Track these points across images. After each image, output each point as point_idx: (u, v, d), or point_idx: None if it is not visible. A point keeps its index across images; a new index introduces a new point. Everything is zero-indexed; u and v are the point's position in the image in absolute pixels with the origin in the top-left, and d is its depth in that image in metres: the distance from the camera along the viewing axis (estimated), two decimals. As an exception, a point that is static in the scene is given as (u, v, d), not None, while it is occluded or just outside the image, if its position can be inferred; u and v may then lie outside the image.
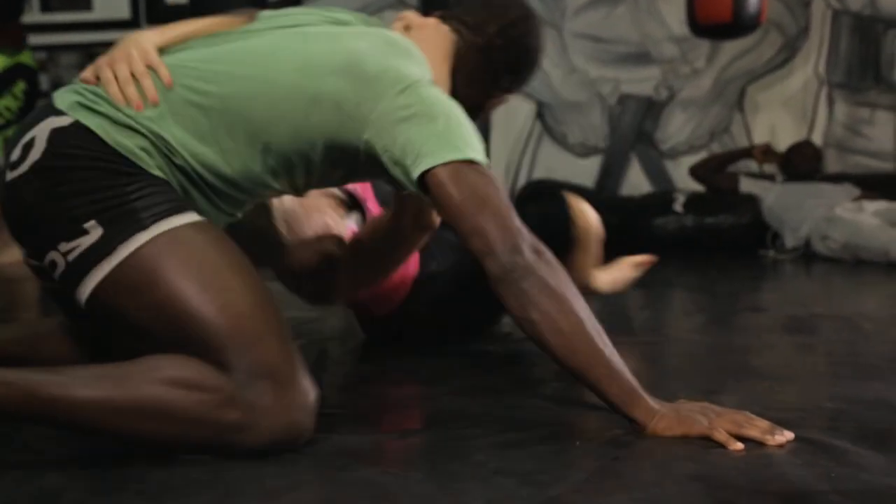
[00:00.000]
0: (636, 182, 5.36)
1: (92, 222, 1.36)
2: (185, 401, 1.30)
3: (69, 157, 1.39)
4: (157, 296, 1.35)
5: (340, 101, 1.46)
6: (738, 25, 4.19)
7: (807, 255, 4.29)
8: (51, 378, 1.29)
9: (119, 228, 1.36)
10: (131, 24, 5.78)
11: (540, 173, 5.43)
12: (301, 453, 1.32)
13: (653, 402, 1.40)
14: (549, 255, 1.43)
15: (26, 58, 4.77)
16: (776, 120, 5.20)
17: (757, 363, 2.00)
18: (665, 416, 1.38)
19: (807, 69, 5.17)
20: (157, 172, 1.42)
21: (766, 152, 4.82)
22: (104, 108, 1.43)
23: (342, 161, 1.51)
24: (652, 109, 5.37)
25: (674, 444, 1.33)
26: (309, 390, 1.36)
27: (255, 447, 1.31)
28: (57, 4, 5.37)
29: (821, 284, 3.72)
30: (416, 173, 1.42)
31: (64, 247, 1.37)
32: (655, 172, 5.37)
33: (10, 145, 1.47)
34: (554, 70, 5.44)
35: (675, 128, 5.34)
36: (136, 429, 1.30)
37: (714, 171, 4.87)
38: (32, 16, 5.20)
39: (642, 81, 5.36)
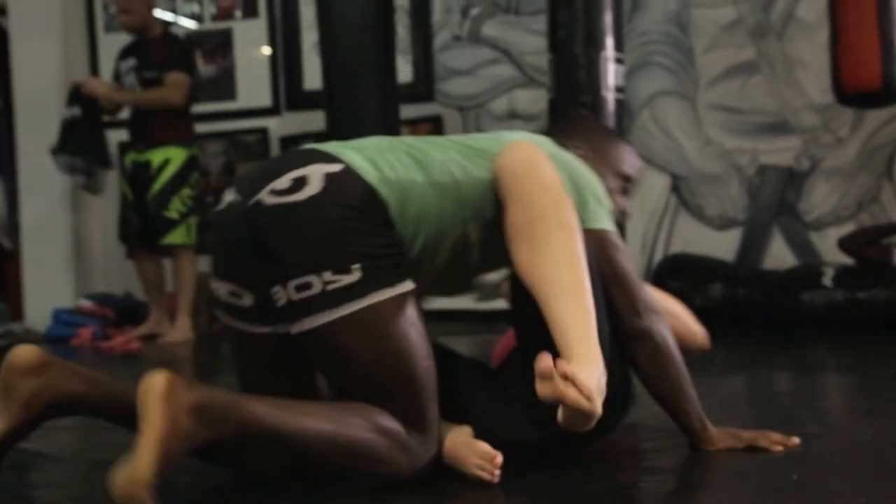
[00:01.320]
0: (779, 255, 5.17)
1: (357, 265, 1.56)
2: (383, 446, 1.55)
3: (347, 196, 1.58)
4: (387, 346, 1.58)
5: None
6: (888, 93, 4.05)
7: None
8: (278, 406, 1.50)
9: (375, 277, 1.57)
10: (272, 111, 6.03)
11: (677, 247, 5.32)
12: None
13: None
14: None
15: (196, 150, 5.07)
16: (929, 187, 4.96)
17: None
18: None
19: (960, 134, 4.92)
20: (400, 230, 1.63)
21: None
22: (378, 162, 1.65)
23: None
24: (793, 180, 5.20)
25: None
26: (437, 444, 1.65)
27: (395, 480, 1.58)
28: (203, 95, 5.63)
29: None
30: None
31: (327, 276, 1.55)
32: (800, 245, 5.17)
33: (256, 181, 1.64)
34: (688, 142, 5.36)
35: (820, 198, 5.15)
36: (340, 461, 1.54)
37: (866, 244, 4.65)
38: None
39: (782, 151, 5.20)
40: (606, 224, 1.82)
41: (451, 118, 5.72)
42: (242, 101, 6.06)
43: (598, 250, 1.77)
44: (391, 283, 1.58)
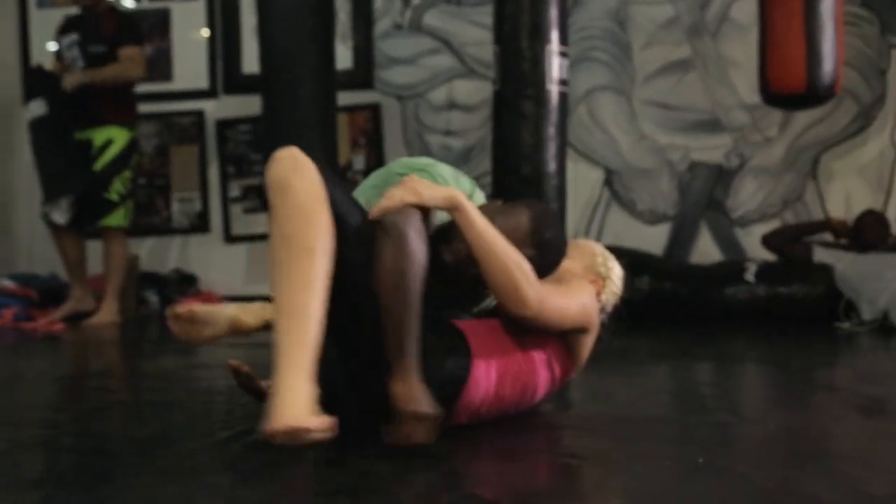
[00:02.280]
0: (706, 250, 5.30)
1: None
2: None
3: None
4: None
5: None
6: (811, 95, 4.17)
7: (884, 328, 4.17)
8: None
9: None
10: (209, 93, 5.97)
11: (608, 240, 5.41)
12: None
13: None
14: None
15: (137, 131, 4.98)
16: (851, 188, 5.12)
17: (835, 449, 1.93)
18: None
19: (883, 137, 5.08)
20: None
21: (843, 225, 4.72)
22: None
23: None
24: (723, 177, 5.33)
25: None
26: None
27: None
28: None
29: (900, 360, 3.60)
30: None
31: None
32: (726, 241, 5.30)
33: None
34: (623, 137, 5.45)
35: (747, 196, 5.29)
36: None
37: (788, 241, 4.79)
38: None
39: (713, 149, 5.33)
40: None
41: (390, 106, 5.73)
42: (179, 82, 5.99)
43: None
44: None
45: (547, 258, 2.00)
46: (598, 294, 2.13)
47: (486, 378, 1.94)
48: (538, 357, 2.04)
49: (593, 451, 1.94)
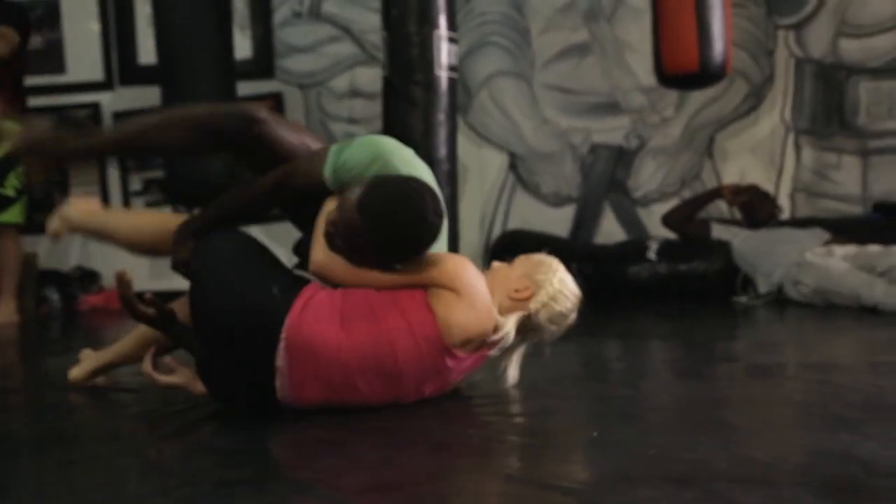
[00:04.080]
0: (610, 230, 5.41)
1: None
2: None
3: None
4: None
5: None
6: (704, 75, 4.28)
7: (779, 301, 4.33)
8: None
9: None
10: (104, 85, 5.83)
11: (514, 224, 5.47)
12: None
13: None
14: None
15: None
16: (745, 166, 5.28)
17: (728, 416, 2.01)
18: None
19: (773, 116, 5.25)
20: None
21: (737, 192, 4.86)
22: None
23: None
24: (623, 158, 5.43)
25: None
26: None
27: None
28: (30, 68, 5.38)
29: (793, 331, 3.74)
30: None
31: None
32: (629, 220, 5.42)
33: None
34: (525, 121, 5.51)
35: (647, 176, 5.41)
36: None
37: (685, 219, 4.91)
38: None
39: (613, 131, 5.43)
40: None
41: (292, 95, 5.68)
42: (73, 74, 5.82)
43: None
44: None
45: (381, 230, 2.01)
46: (525, 299, 2.14)
47: (317, 304, 2.03)
48: (390, 308, 2.05)
49: (490, 429, 1.98)
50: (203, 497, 1.45)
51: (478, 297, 2.05)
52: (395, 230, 2.00)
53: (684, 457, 1.61)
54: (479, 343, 2.09)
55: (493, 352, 2.15)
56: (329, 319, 1.99)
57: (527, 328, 2.16)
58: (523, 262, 2.22)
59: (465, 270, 2.05)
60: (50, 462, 1.73)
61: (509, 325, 2.12)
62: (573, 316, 2.18)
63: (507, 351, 2.18)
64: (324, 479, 1.54)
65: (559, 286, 2.15)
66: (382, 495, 1.44)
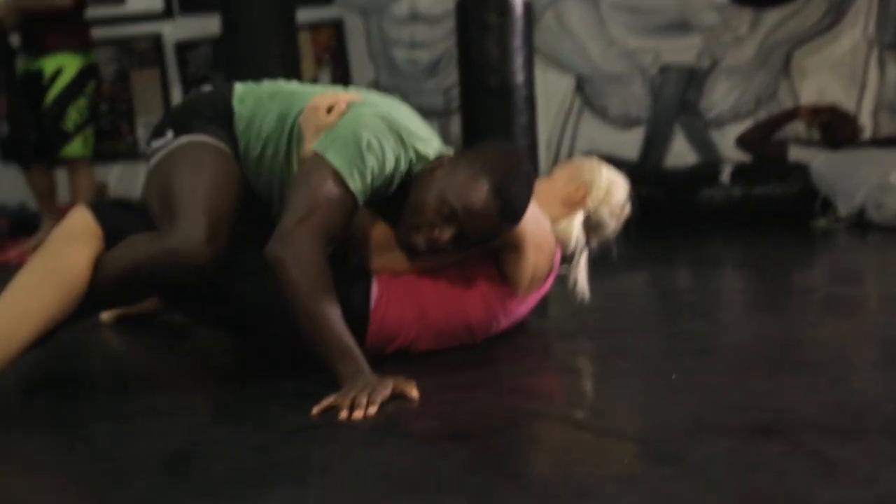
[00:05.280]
0: (681, 153, 5.25)
1: (171, 130, 1.98)
2: (140, 250, 1.81)
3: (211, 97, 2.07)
4: (170, 170, 1.90)
5: None
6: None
7: (860, 225, 4.17)
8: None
9: (183, 133, 1.97)
10: (165, 15, 5.79)
11: (582, 147, 5.35)
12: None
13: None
14: None
15: (94, 57, 4.83)
16: (824, 84, 5.05)
17: (810, 355, 1.92)
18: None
19: (855, 31, 5.00)
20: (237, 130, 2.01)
21: (815, 112, 4.67)
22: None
23: None
24: (694, 79, 5.24)
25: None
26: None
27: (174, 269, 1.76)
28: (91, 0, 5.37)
29: (875, 257, 3.60)
30: None
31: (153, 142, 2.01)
32: (701, 142, 5.25)
33: None
34: (592, 43, 5.34)
35: (720, 96, 5.22)
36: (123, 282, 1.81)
37: (761, 141, 4.74)
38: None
39: (683, 51, 5.23)
40: (331, 157, 1.77)
41: (353, 22, 5.57)
42: (132, 4, 5.80)
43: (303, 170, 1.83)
44: (195, 135, 1.95)
45: (519, 216, 1.86)
46: (580, 201, 2.10)
47: (394, 298, 1.93)
48: (459, 280, 2.00)
49: (563, 370, 1.93)
50: (278, 444, 1.44)
51: (540, 235, 1.99)
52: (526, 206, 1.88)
53: (767, 403, 1.54)
54: (549, 271, 2.06)
55: (562, 267, 2.13)
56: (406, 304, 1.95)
57: (589, 228, 2.13)
58: (562, 169, 2.19)
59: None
60: (129, 405, 1.74)
61: (574, 229, 2.09)
62: (628, 206, 2.17)
63: (574, 261, 2.14)
64: (397, 423, 1.51)
65: (609, 178, 2.14)
66: (455, 444, 1.41)
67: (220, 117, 2.00)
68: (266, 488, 1.25)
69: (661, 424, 1.46)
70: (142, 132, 5.94)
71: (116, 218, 1.85)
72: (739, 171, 4.65)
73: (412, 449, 1.39)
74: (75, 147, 4.78)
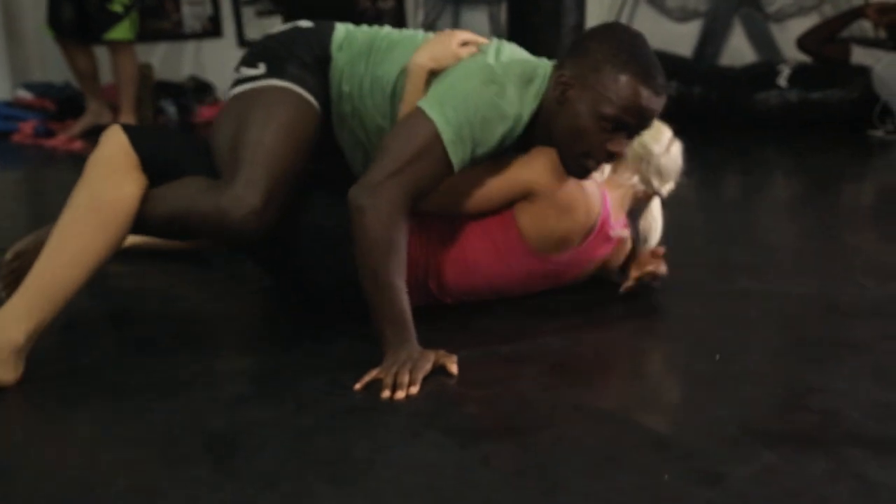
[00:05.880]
0: (739, 49, 5.06)
1: (263, 63, 1.93)
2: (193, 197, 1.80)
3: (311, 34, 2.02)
4: (243, 116, 1.86)
5: None
6: None
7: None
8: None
9: (276, 73, 1.91)
10: None
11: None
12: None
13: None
14: None
15: None
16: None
17: (859, 335, 1.87)
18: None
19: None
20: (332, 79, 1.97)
21: (883, 10, 4.44)
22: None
23: None
24: (758, -31, 4.99)
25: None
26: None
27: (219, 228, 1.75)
28: None
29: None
30: None
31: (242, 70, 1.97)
32: (760, 39, 5.04)
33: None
34: (652, -73, 5.09)
35: (784, -12, 4.98)
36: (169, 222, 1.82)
37: (824, 40, 4.54)
38: None
39: (748, -62, 4.97)
40: (440, 123, 1.74)
41: None
42: None
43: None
44: (286, 81, 1.89)
45: (664, 83, 1.83)
46: (642, 196, 2.13)
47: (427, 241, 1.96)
48: (472, 223, 1.99)
49: (603, 348, 1.92)
50: (319, 433, 1.46)
51: (569, 195, 1.93)
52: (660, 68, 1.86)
53: (813, 404, 1.52)
54: (584, 237, 2.01)
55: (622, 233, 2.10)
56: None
57: (644, 181, 2.12)
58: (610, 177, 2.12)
59: (553, 170, 1.90)
60: (182, 371, 1.77)
61: (655, 219, 2.16)
62: (676, 143, 2.15)
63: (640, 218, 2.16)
64: (437, 413, 1.52)
65: (660, 142, 2.12)
66: (496, 444, 1.42)
67: (318, 62, 1.95)
68: (307, 497, 1.27)
69: (697, 425, 1.45)
70: (187, 10, 5.82)
71: (153, 146, 1.81)
72: (798, 74, 4.49)
73: (452, 450, 1.40)
74: (122, 30, 4.72)
